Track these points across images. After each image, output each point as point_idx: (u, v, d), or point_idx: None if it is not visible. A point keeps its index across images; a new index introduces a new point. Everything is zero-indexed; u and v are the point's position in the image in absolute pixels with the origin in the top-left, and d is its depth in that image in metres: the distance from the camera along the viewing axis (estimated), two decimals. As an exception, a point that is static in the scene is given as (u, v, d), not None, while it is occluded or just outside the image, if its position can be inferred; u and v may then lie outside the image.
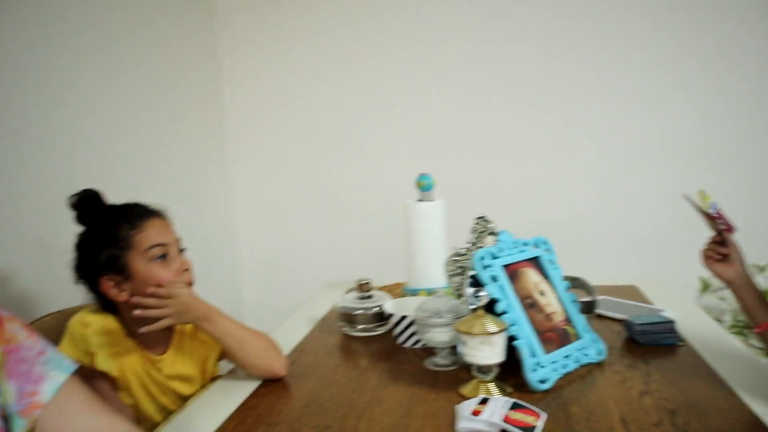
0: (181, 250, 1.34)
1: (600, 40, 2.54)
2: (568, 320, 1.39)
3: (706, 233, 1.37)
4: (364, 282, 1.67)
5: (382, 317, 1.63)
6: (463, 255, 1.47)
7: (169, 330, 1.37)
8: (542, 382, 1.24)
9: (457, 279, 1.47)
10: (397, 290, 1.90)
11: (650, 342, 1.45)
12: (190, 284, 1.32)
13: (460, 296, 1.45)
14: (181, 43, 2.49)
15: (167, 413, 1.35)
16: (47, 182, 1.67)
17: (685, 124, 2.54)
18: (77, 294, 1.34)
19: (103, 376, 1.28)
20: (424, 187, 1.80)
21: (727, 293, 1.73)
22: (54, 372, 0.88)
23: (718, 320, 2.47)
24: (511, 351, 1.25)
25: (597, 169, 2.62)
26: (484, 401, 1.13)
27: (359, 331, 1.64)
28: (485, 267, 1.32)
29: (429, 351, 1.47)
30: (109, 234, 1.26)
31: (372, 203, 2.77)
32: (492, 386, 1.23)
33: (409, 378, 1.34)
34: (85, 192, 1.31)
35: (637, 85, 2.55)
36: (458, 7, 2.62)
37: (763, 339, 1.29)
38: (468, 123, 2.67)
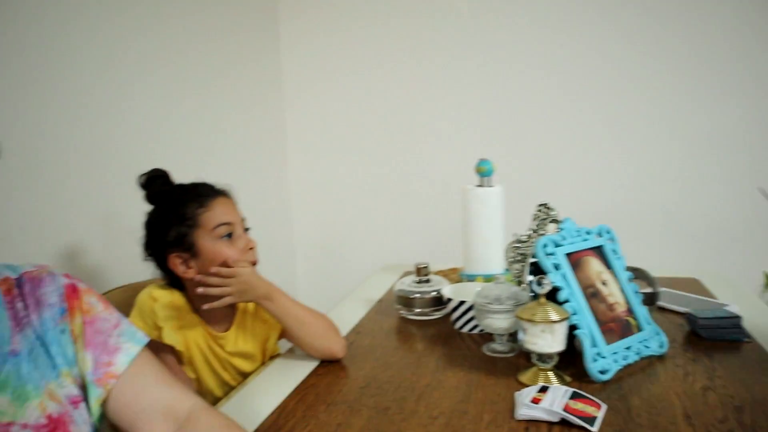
0: (246, 230, 1.37)
1: (676, 24, 2.46)
2: (630, 311, 1.37)
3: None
4: (422, 266, 1.67)
5: (439, 302, 1.63)
6: (524, 242, 1.45)
7: (232, 308, 1.39)
8: (602, 372, 1.22)
9: (518, 266, 1.46)
10: (453, 275, 1.90)
11: (714, 337, 1.42)
12: (254, 263, 1.34)
13: (520, 283, 1.44)
14: (243, 23, 2.51)
15: (227, 388, 1.38)
16: (115, 160, 1.72)
17: (761, 114, 2.45)
18: (143, 269, 1.38)
19: (169, 349, 1.32)
20: (484, 172, 1.79)
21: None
22: (128, 344, 0.92)
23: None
24: (569, 340, 1.24)
25: (663, 157, 2.55)
26: (543, 389, 1.13)
27: (416, 314, 1.64)
28: (548, 255, 1.30)
29: (486, 337, 1.47)
30: (177, 213, 1.29)
31: (429, 187, 2.76)
32: (551, 374, 1.22)
33: (466, 363, 1.34)
34: (154, 171, 1.35)
35: (712, 73, 2.46)
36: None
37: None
38: (530, 108, 2.63)
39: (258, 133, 2.66)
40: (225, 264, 1.28)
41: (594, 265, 1.37)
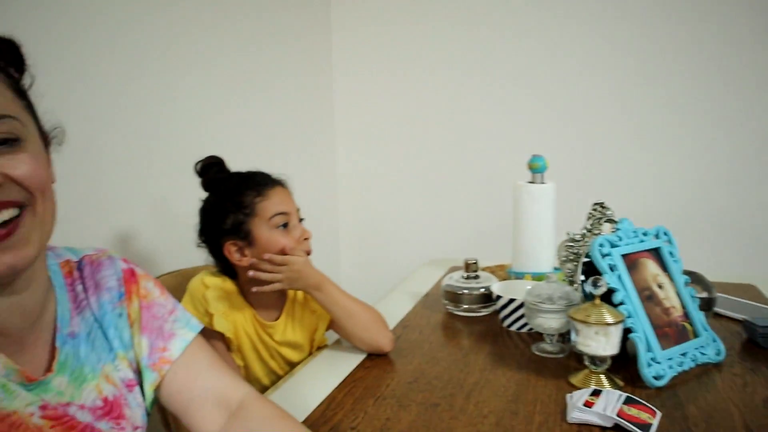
0: (301, 220, 1.37)
1: (735, 27, 2.38)
2: (686, 316, 1.33)
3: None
4: (471, 261, 1.65)
5: (488, 298, 1.61)
6: (578, 241, 1.42)
7: (282, 297, 1.40)
8: (657, 378, 1.19)
9: (570, 265, 1.43)
10: (501, 272, 1.87)
11: (775, 346, 1.37)
12: (308, 253, 1.34)
13: (572, 283, 1.41)
14: (295, 16, 2.52)
15: (274, 377, 1.39)
16: (167, 148, 1.74)
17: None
18: (194, 255, 1.39)
19: (219, 336, 1.33)
20: (537, 168, 1.76)
21: None
22: (183, 330, 0.92)
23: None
24: (621, 343, 1.21)
25: (720, 159, 2.46)
26: (596, 393, 1.10)
27: (463, 310, 1.63)
28: (604, 255, 1.28)
29: (535, 336, 1.45)
30: (234, 200, 1.30)
31: (476, 182, 2.73)
32: (603, 378, 1.19)
33: (515, 362, 1.32)
34: (210, 159, 1.36)
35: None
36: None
37: None
38: (586, 105, 2.57)
39: (307, 125, 2.66)
40: (281, 252, 1.29)
41: (650, 267, 1.34)
